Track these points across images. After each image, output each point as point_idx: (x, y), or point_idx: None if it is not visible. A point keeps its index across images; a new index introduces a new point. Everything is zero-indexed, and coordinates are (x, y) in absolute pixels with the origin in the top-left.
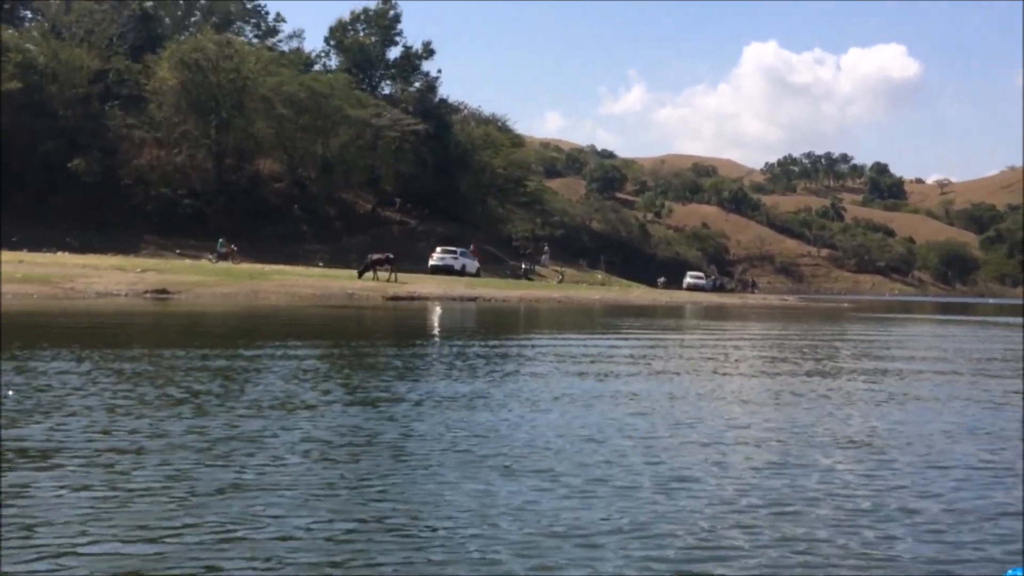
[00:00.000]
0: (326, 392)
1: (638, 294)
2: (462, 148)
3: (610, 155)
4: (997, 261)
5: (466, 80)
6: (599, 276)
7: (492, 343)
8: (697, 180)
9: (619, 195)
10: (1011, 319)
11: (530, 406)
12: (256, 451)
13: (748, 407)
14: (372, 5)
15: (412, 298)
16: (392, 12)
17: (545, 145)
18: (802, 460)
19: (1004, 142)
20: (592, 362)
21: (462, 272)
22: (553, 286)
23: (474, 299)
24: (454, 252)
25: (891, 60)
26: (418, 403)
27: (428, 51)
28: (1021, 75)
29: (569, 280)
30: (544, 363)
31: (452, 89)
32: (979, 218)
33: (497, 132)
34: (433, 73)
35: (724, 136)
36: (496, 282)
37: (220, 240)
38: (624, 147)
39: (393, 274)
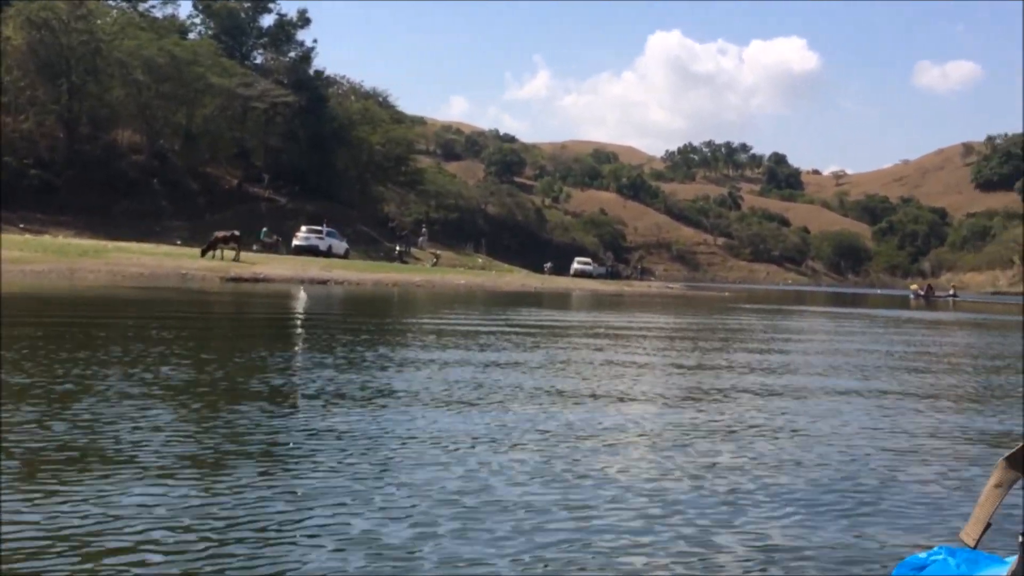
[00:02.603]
0: None
1: (509, 279)
2: (338, 123)
3: (511, 139)
4: (888, 252)
5: (371, 63)
6: (479, 260)
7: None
8: (596, 166)
9: (518, 179)
10: (898, 313)
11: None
12: None
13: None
14: None
15: (255, 280)
16: None
17: (447, 128)
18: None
19: (898, 136)
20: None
21: (328, 253)
22: (420, 269)
23: (325, 282)
24: (320, 231)
25: (791, 53)
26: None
27: (304, 20)
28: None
29: (447, 264)
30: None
31: (355, 72)
32: (872, 209)
33: (377, 108)
34: (308, 43)
35: (630, 124)
36: (360, 264)
37: (264, 229)
38: (530, 132)
39: (238, 253)
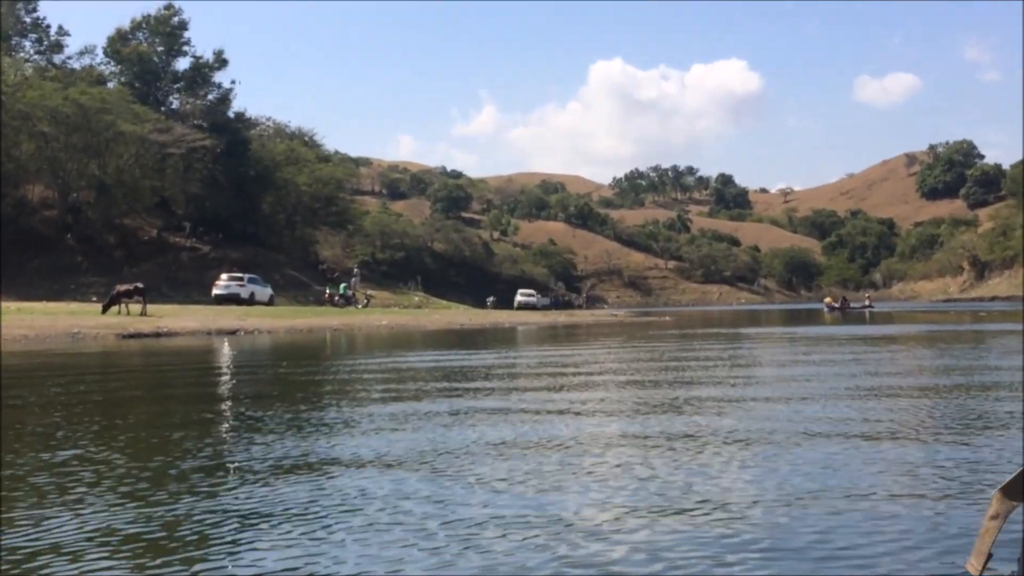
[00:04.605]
0: None
1: (437, 318)
2: (262, 165)
3: (458, 175)
4: (839, 266)
5: (318, 105)
6: (416, 298)
7: None
8: (544, 197)
9: (465, 215)
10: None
11: None
12: None
13: None
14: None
15: (158, 334)
16: (176, 19)
17: (393, 167)
18: None
19: (843, 150)
20: None
21: (251, 300)
22: (343, 312)
23: (234, 332)
24: (241, 279)
25: (733, 75)
26: None
27: (220, 61)
28: (856, 86)
29: (381, 304)
30: None
31: (303, 117)
32: (821, 224)
33: (302, 147)
34: (226, 84)
35: (578, 153)
36: (282, 310)
37: (343, 284)
38: (479, 167)
39: (144, 307)
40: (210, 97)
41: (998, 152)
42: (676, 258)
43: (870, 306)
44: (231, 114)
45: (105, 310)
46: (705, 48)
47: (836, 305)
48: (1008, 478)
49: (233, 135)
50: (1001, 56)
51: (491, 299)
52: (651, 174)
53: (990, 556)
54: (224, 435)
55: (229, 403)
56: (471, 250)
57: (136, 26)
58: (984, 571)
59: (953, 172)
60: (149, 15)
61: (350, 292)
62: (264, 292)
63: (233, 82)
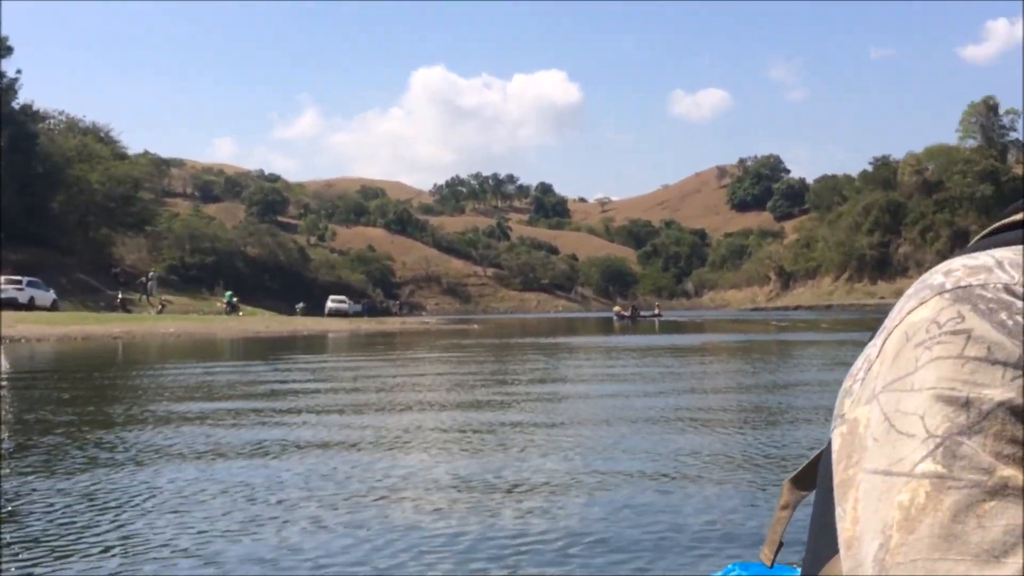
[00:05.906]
0: None
1: (231, 325)
2: (52, 161)
3: (275, 179)
4: (653, 275)
5: (129, 107)
6: (219, 304)
7: None
8: (363, 202)
9: (282, 219)
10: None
11: None
12: None
13: None
14: None
15: None
16: None
17: (207, 169)
18: None
19: (658, 162)
20: None
21: (30, 305)
22: (130, 318)
23: None
24: (19, 282)
25: (554, 85)
26: None
27: (4, 48)
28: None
29: (180, 310)
30: None
31: (109, 116)
32: (636, 234)
33: (97, 144)
34: (11, 74)
35: (400, 160)
36: (62, 316)
37: (229, 292)
38: (300, 172)
39: None
40: None
41: (803, 168)
42: (495, 265)
43: (659, 315)
44: (15, 105)
45: None
46: (527, 58)
47: (626, 314)
48: (797, 469)
49: (18, 128)
50: (805, 76)
51: (300, 305)
52: (472, 181)
53: (781, 545)
54: None
55: None
56: (286, 255)
57: None
58: (776, 559)
59: (761, 185)
60: None
61: (235, 299)
62: (46, 296)
63: (19, 71)
